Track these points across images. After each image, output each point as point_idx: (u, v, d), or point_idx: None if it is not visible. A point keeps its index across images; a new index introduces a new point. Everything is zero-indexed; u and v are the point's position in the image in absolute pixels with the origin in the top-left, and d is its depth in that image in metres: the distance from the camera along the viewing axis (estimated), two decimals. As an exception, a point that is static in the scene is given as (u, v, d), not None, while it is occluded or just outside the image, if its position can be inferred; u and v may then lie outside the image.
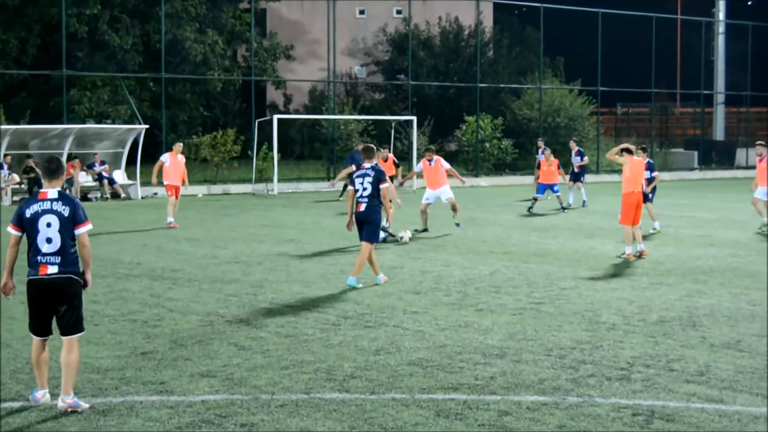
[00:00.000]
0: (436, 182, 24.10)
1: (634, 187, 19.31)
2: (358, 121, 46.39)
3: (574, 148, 33.87)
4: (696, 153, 56.10)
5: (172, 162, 25.96)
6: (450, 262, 18.53)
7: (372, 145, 16.56)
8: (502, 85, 54.78)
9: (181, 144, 27.17)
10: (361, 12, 64.02)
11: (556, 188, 30.82)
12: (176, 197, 25.72)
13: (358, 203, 15.86)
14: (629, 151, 19.62)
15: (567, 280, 16.46)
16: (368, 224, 15.83)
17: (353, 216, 15.94)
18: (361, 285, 15.70)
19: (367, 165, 16.06)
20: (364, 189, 15.80)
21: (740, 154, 57.57)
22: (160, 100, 42.19)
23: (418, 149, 42.76)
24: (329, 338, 11.74)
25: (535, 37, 57.97)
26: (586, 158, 33.96)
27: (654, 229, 23.57)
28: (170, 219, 25.16)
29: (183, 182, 26.12)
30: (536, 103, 51.36)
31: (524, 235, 23.44)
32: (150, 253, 20.08)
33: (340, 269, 17.54)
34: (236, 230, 24.67)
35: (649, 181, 23.18)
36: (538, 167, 31.88)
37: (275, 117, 40.14)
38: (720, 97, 60.12)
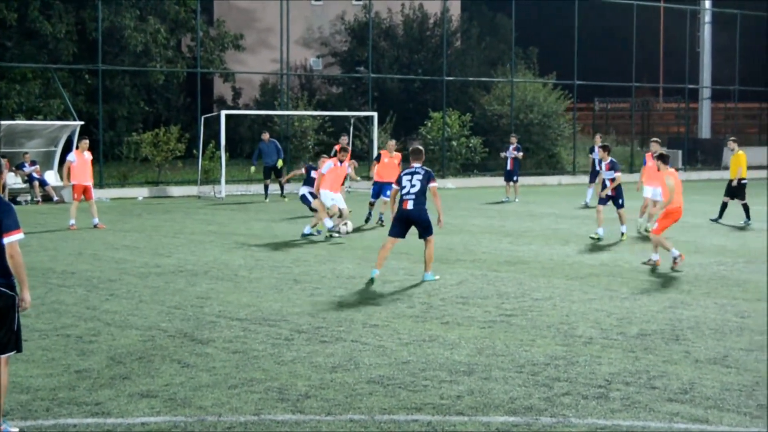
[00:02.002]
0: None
1: (681, 200, 19.29)
2: (314, 117, 46.40)
3: (599, 142, 34.90)
4: (680, 152, 56.29)
5: (80, 160, 26.66)
6: (413, 270, 18.54)
7: (420, 147, 17.95)
8: (470, 79, 54.87)
9: (87, 140, 27.68)
10: (317, -2, 64.01)
11: (386, 189, 25.87)
12: (89, 197, 26.55)
13: (403, 200, 17.17)
14: (665, 160, 19.55)
15: (540, 290, 16.55)
16: (420, 225, 17.27)
17: (398, 213, 17.32)
18: (437, 277, 17.49)
19: (416, 165, 17.40)
20: (413, 186, 17.14)
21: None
22: (97, 93, 41.86)
23: (379, 147, 42.78)
24: (281, 354, 11.73)
25: (506, 26, 58.20)
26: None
27: (622, 234, 23.65)
28: (72, 221, 26.07)
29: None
30: (507, 97, 51.47)
31: (495, 241, 23.54)
32: (85, 261, 19.98)
33: (293, 279, 17.54)
34: (180, 236, 24.59)
35: (612, 181, 23.33)
36: (377, 161, 27.70)
37: (223, 113, 39.97)
38: (706, 92, 60.44)
